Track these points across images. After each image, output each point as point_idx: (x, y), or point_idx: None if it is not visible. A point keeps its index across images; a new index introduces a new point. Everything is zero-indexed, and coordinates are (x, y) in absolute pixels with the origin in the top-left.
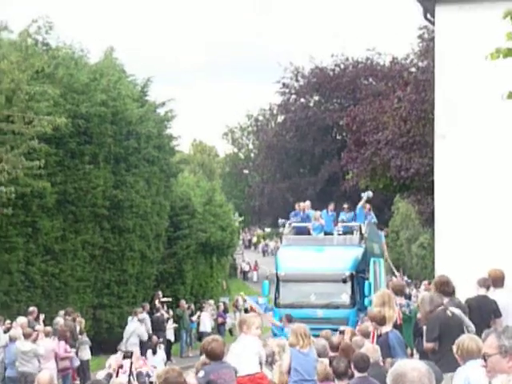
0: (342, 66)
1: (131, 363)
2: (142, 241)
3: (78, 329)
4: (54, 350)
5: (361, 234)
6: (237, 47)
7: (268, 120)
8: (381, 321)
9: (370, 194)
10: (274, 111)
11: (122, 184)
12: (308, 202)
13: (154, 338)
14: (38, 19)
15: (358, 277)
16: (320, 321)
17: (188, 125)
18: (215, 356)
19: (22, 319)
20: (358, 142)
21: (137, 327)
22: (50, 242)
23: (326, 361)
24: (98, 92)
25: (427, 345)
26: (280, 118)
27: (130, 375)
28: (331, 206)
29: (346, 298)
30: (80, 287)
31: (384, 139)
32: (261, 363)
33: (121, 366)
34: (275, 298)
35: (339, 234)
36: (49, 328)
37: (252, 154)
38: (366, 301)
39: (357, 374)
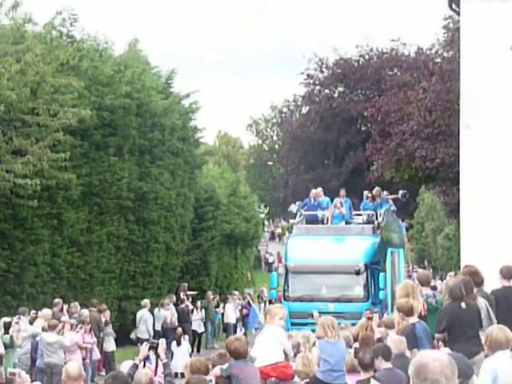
0: (367, 57)
1: (157, 354)
2: (166, 232)
3: (103, 320)
4: (78, 343)
5: (377, 222)
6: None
7: (292, 111)
8: (408, 311)
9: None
10: (299, 102)
11: (146, 176)
12: (319, 189)
13: (179, 329)
14: (63, 11)
15: (372, 268)
16: (331, 315)
17: (213, 117)
18: (238, 355)
19: (46, 311)
20: (382, 132)
21: (143, 313)
22: (76, 233)
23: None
24: (122, 84)
25: (436, 335)
26: (304, 109)
27: (156, 366)
28: (342, 192)
29: (359, 290)
30: (105, 279)
31: (409, 130)
32: (286, 353)
33: (147, 357)
34: (284, 291)
35: (359, 223)
36: (73, 320)
37: (276, 146)
38: (381, 294)
39: (383, 365)
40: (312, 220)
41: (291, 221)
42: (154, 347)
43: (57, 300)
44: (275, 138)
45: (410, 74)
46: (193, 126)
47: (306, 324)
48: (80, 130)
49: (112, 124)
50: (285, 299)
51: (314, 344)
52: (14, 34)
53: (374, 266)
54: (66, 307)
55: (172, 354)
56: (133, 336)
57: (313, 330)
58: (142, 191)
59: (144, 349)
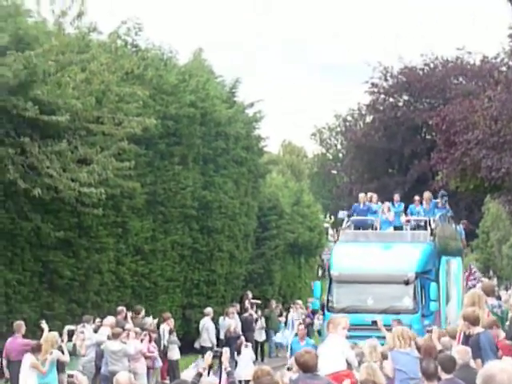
0: (432, 66)
1: (220, 362)
2: (230, 241)
3: (167, 329)
4: (142, 351)
5: (430, 229)
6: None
7: (356, 120)
8: (474, 321)
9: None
10: (363, 111)
11: (210, 185)
12: (370, 194)
13: (241, 338)
14: (128, 21)
15: (423, 278)
16: (378, 328)
17: (278, 126)
18: (308, 368)
19: (110, 319)
20: (447, 142)
21: (206, 321)
22: (140, 242)
23: None
24: (186, 93)
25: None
26: (369, 118)
27: (220, 375)
28: (396, 197)
29: (408, 302)
30: (169, 287)
31: (474, 139)
32: (348, 362)
33: (211, 366)
34: (327, 302)
35: (410, 229)
36: (137, 328)
37: (340, 155)
38: (432, 305)
39: (443, 376)
40: (361, 225)
41: (340, 228)
42: (217, 356)
43: (120, 308)
44: (339, 146)
45: (475, 83)
46: (257, 135)
47: (351, 337)
48: (144, 138)
49: (176, 133)
50: (328, 310)
51: (382, 355)
52: (79, 43)
53: (426, 275)
54: (130, 315)
55: (236, 362)
56: (197, 345)
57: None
58: (206, 200)
59: (208, 357)
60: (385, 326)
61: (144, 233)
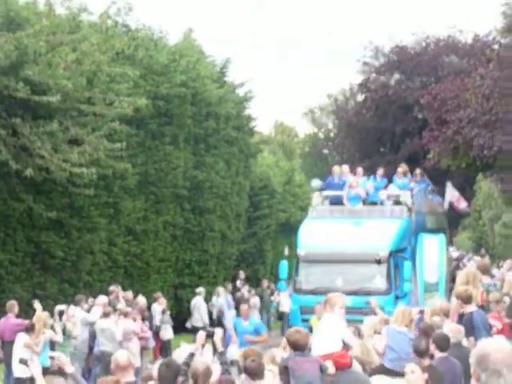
0: (424, 44)
1: (213, 343)
2: (222, 221)
3: (159, 309)
4: (134, 331)
5: (405, 203)
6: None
7: (348, 99)
8: (467, 299)
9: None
10: (354, 90)
11: (201, 165)
12: (344, 167)
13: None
14: (118, 1)
15: (397, 257)
16: (348, 311)
17: (270, 106)
18: (298, 347)
19: (102, 298)
20: (439, 120)
21: (197, 301)
22: (132, 222)
23: None
24: (177, 73)
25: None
26: (360, 97)
27: (214, 354)
28: (380, 171)
29: (380, 282)
30: (161, 267)
31: (466, 117)
32: (344, 342)
33: (203, 346)
34: (294, 283)
35: (385, 204)
36: (128, 308)
37: (332, 134)
38: (406, 286)
39: (437, 355)
40: (336, 202)
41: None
42: (210, 336)
43: (112, 287)
44: (331, 126)
45: (466, 61)
46: (247, 115)
47: None
48: (136, 119)
49: (167, 113)
50: (295, 292)
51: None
52: (69, 24)
53: (400, 254)
54: (121, 294)
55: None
56: (188, 325)
57: None
58: (198, 180)
59: (200, 337)
60: (356, 308)
61: (136, 213)
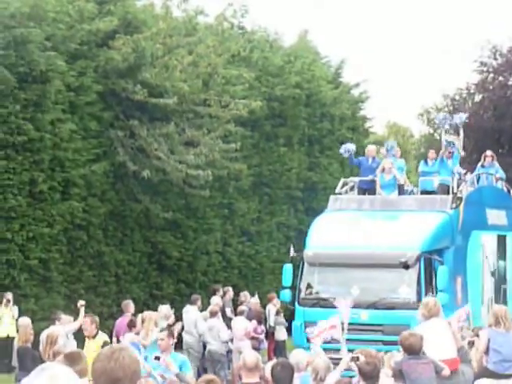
0: None
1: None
2: None
3: (274, 310)
4: (246, 330)
5: (453, 193)
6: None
7: (465, 99)
8: None
9: (462, 117)
10: (471, 90)
11: (315, 166)
12: (374, 147)
13: None
14: (234, 3)
15: (431, 260)
16: (364, 327)
17: (383, 106)
18: (413, 351)
19: (216, 299)
20: None
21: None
22: (246, 223)
23: None
24: (292, 74)
25: None
26: (477, 98)
27: None
28: (432, 153)
29: (407, 292)
30: (275, 268)
31: None
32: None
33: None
34: (298, 292)
35: (421, 192)
36: (243, 307)
37: None
38: (440, 297)
39: None
40: (367, 188)
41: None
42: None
43: (216, 286)
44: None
45: None
46: (362, 116)
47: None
48: (250, 120)
49: (282, 114)
50: (299, 303)
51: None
52: (185, 26)
53: (436, 256)
54: (231, 295)
55: None
56: None
57: None
58: (312, 181)
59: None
60: (374, 325)
61: (250, 214)
